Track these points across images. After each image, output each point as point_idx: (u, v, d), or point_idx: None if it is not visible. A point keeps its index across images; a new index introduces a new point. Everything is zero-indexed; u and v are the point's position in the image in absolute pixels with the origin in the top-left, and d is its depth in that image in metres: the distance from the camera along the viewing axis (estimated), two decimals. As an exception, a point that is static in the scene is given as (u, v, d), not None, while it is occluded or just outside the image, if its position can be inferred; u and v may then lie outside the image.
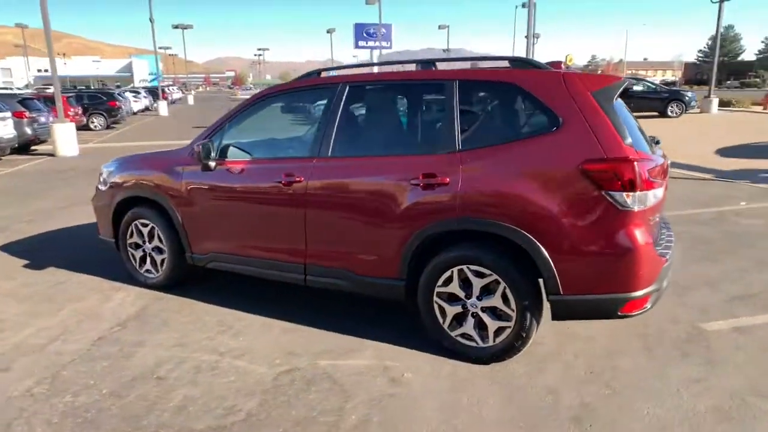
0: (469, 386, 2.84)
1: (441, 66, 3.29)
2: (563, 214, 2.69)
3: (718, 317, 3.61)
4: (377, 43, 40.90)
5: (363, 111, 3.56)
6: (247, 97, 4.84)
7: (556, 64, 3.19)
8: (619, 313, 2.74)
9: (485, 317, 2.98)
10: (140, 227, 4.25)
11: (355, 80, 3.45)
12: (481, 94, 3.09)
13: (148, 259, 4.30)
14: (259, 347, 3.31)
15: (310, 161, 3.41)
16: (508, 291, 2.87)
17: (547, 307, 2.89)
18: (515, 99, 2.98)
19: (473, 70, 3.19)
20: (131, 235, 4.33)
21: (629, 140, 2.68)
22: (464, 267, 2.97)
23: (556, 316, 2.85)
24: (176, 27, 41.39)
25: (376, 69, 4.29)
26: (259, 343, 3.36)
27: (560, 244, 2.71)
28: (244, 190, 3.68)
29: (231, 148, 3.79)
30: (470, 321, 3.04)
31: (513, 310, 2.88)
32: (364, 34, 42.05)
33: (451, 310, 3.07)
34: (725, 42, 65.82)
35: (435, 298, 3.10)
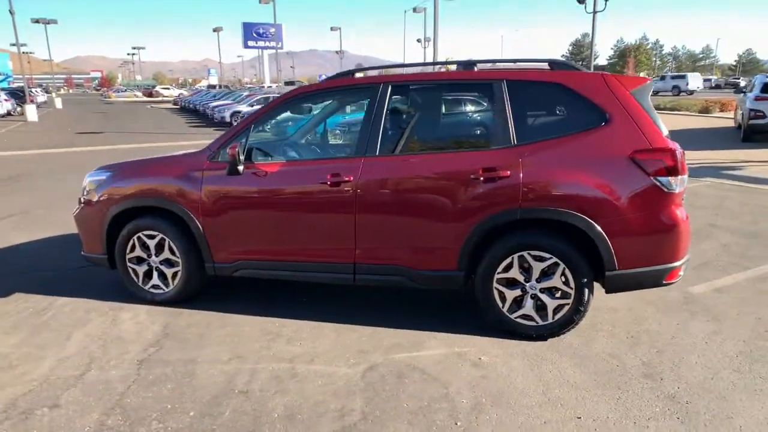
0: (543, 361, 3.10)
1: (481, 67, 3.52)
2: (617, 198, 3.06)
3: (696, 282, 4.27)
4: (267, 43, 39.91)
5: (409, 110, 3.65)
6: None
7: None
8: (664, 282, 3.19)
9: (544, 297, 3.27)
10: (145, 240, 3.91)
11: (399, 80, 3.55)
12: (530, 92, 3.35)
13: (155, 274, 3.98)
14: (323, 350, 3.28)
15: (357, 161, 3.44)
16: (567, 271, 3.19)
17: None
18: (562, 97, 3.29)
19: (520, 71, 3.46)
20: (132, 249, 3.97)
21: (666, 132, 3.13)
22: (524, 253, 3.23)
23: (610, 290, 3.23)
24: (36, 21, 36.71)
25: (409, 70, 4.38)
26: (321, 346, 3.32)
27: (615, 225, 3.07)
28: (282, 192, 3.59)
29: (258, 149, 3.67)
30: (529, 302, 3.30)
31: (572, 288, 3.20)
32: (254, 34, 40.81)
33: (511, 294, 3.31)
34: (582, 48, 74.34)
35: (495, 285, 3.32)
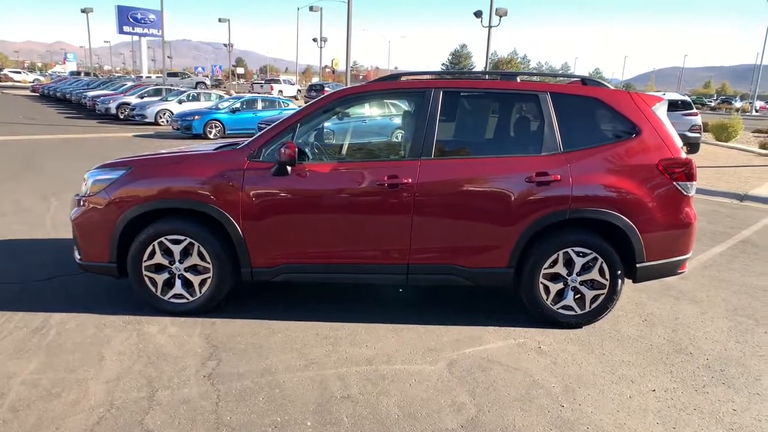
0: (592, 345, 3.47)
1: (522, 79, 3.80)
2: (647, 200, 3.54)
3: (661, 271, 4.99)
4: (145, 30, 36.53)
5: (460, 115, 3.79)
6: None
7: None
8: (678, 271, 3.75)
9: (583, 289, 3.65)
10: (168, 245, 3.58)
11: (450, 86, 3.69)
12: (571, 104, 3.69)
13: (178, 283, 3.65)
14: (392, 350, 3.32)
15: (414, 163, 3.52)
16: (604, 265, 3.60)
17: (626, 273, 3.71)
18: (598, 110, 3.69)
19: (560, 85, 3.80)
20: (151, 256, 3.61)
21: (681, 144, 3.68)
22: (569, 250, 3.58)
23: (638, 280, 3.70)
24: None
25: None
26: (388, 347, 3.35)
27: (646, 223, 3.55)
28: (335, 194, 3.54)
29: (306, 149, 3.58)
30: (570, 294, 3.66)
31: (607, 280, 3.62)
32: (130, 18, 37.13)
33: (554, 288, 3.65)
34: (460, 58, 79.65)
35: (540, 279, 3.62)
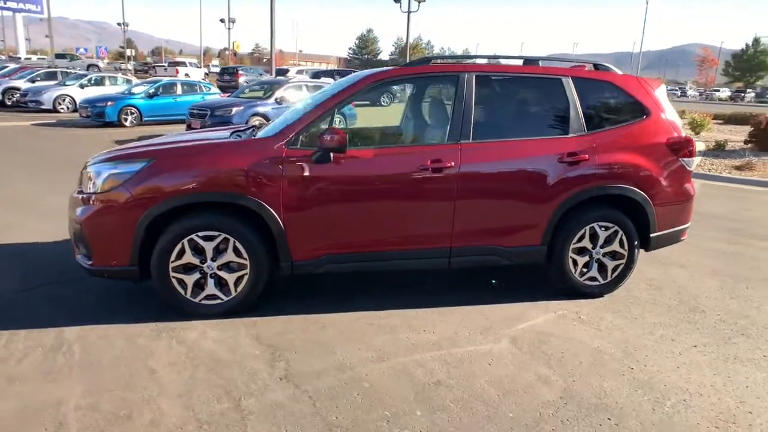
0: (622, 311, 3.74)
1: (544, 63, 3.94)
2: (659, 175, 3.86)
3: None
4: (20, 5, 32.03)
5: (492, 99, 3.82)
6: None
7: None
8: (681, 239, 4.14)
9: (605, 260, 3.92)
10: (200, 242, 3.29)
11: (482, 70, 3.73)
12: (589, 88, 3.88)
13: (211, 282, 3.38)
14: (450, 333, 3.34)
15: (455, 146, 3.53)
16: (623, 237, 3.89)
17: (639, 244, 4.04)
18: (613, 93, 3.93)
19: (580, 69, 3.97)
20: (180, 256, 3.29)
21: (680, 123, 4.05)
22: (595, 224, 3.81)
23: (650, 249, 4.03)
24: None
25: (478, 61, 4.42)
26: (445, 330, 3.37)
27: (658, 196, 3.87)
28: (379, 179, 3.45)
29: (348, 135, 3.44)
30: (594, 266, 3.91)
31: (625, 250, 3.91)
32: (2, -8, 32.28)
33: (581, 261, 3.87)
34: (367, 43, 79.57)
35: (570, 254, 3.83)
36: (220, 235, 3.31)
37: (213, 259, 3.35)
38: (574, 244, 3.81)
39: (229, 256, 3.36)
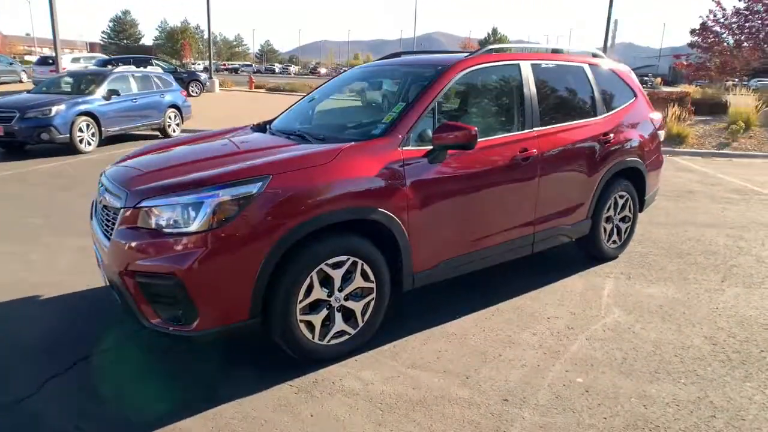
0: (650, 267, 4.37)
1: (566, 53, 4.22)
2: (648, 146, 4.56)
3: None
4: None
5: (543, 86, 3.87)
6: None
7: None
8: (654, 199, 4.96)
9: (621, 225, 4.50)
10: (328, 272, 2.73)
11: (535, 59, 3.81)
12: (599, 74, 4.29)
13: (338, 317, 2.84)
14: (568, 316, 3.46)
15: (532, 133, 3.61)
16: (630, 202, 4.51)
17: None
18: (613, 79, 4.44)
19: (594, 60, 4.35)
20: (308, 292, 2.68)
21: (648, 102, 4.82)
22: (616, 195, 4.34)
23: (642, 210, 4.73)
24: None
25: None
26: (558, 314, 3.48)
27: (650, 165, 4.58)
28: (486, 173, 3.32)
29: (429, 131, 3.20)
30: (614, 230, 4.46)
31: (632, 214, 4.56)
32: None
33: (608, 227, 4.38)
34: (126, 26, 69.50)
35: (602, 223, 4.29)
36: (349, 259, 2.78)
37: (340, 290, 2.81)
38: (605, 214, 4.27)
39: (357, 281, 2.86)
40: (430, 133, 3.07)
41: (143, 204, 2.50)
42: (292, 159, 2.71)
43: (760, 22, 18.10)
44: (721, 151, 11.30)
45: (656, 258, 4.58)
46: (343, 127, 3.72)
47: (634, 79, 4.66)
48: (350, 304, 2.86)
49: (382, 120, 3.15)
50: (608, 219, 4.34)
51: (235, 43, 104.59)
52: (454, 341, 3.09)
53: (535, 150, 3.54)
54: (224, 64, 65.82)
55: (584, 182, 3.98)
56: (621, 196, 4.37)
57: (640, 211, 4.74)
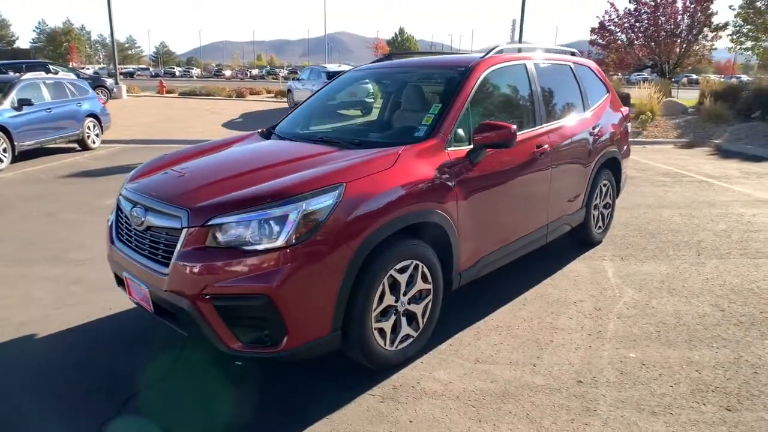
0: (633, 253, 4.78)
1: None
2: (621, 135, 4.98)
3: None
4: None
5: (544, 83, 4.05)
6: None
7: None
8: (624, 185, 5.42)
9: (605, 211, 4.88)
10: (396, 277, 2.73)
11: (538, 59, 4.02)
12: (581, 72, 4.60)
13: (403, 321, 2.84)
14: (589, 299, 3.71)
15: (542, 129, 3.81)
16: (611, 189, 4.91)
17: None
18: (592, 77, 4.77)
19: (574, 58, 4.63)
20: (381, 299, 2.66)
21: (612, 96, 5.25)
22: (601, 184, 4.70)
23: (618, 195, 5.15)
24: None
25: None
26: (581, 296, 3.72)
27: (623, 154, 5.01)
28: (517, 169, 3.47)
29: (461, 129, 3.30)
30: (599, 217, 4.83)
31: (612, 199, 4.96)
32: None
33: (596, 214, 4.74)
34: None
35: (593, 211, 4.63)
36: (412, 262, 2.79)
37: (404, 294, 2.80)
38: (594, 201, 4.62)
39: (419, 284, 2.87)
40: (462, 132, 3.16)
41: (214, 221, 2.34)
42: (358, 165, 2.65)
43: (647, 22, 20.14)
44: (635, 140, 12.48)
45: (635, 239, 5.02)
46: (369, 130, 3.69)
47: (603, 75, 5.06)
48: (412, 307, 2.87)
49: (421, 122, 3.17)
50: (595, 206, 4.69)
51: (127, 45, 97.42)
52: (503, 333, 3.20)
53: (547, 145, 3.75)
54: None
55: (582, 173, 4.28)
56: (604, 185, 4.75)
57: (617, 197, 5.17)
